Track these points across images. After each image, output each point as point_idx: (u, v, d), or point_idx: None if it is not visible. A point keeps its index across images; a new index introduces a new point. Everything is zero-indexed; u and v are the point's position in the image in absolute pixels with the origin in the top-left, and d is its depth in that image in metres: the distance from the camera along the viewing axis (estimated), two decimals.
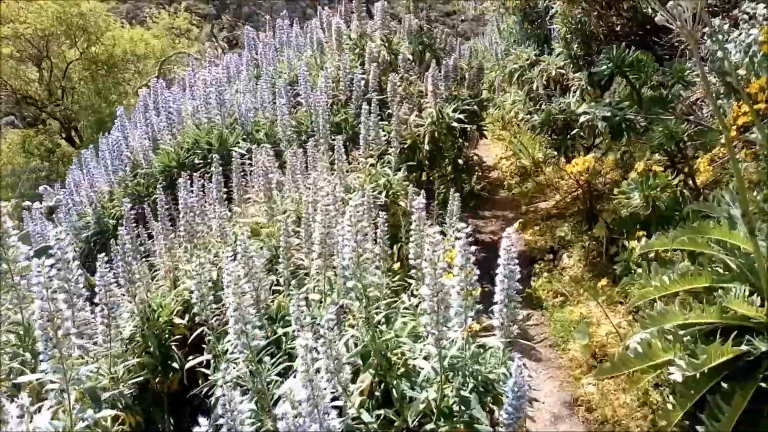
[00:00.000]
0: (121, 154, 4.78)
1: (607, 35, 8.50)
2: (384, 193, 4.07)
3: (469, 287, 2.43)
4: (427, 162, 5.28)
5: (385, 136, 5.23)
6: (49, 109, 16.81)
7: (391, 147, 4.22)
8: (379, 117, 4.87)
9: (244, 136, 4.98)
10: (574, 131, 5.30)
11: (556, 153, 5.37)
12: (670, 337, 2.92)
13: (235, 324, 2.32)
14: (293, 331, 2.60)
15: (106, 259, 2.76)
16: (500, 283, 2.55)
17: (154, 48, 17.48)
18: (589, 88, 8.07)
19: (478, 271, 4.56)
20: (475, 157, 9.32)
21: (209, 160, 4.74)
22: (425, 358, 2.36)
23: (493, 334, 2.85)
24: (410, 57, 6.24)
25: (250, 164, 4.46)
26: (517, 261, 2.70)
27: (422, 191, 4.52)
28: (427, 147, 5.03)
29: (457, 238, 2.47)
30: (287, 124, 4.79)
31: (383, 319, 2.73)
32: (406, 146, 5.13)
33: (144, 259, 3.77)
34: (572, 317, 4.83)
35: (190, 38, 19.72)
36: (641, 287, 3.22)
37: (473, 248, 4.50)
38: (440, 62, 5.85)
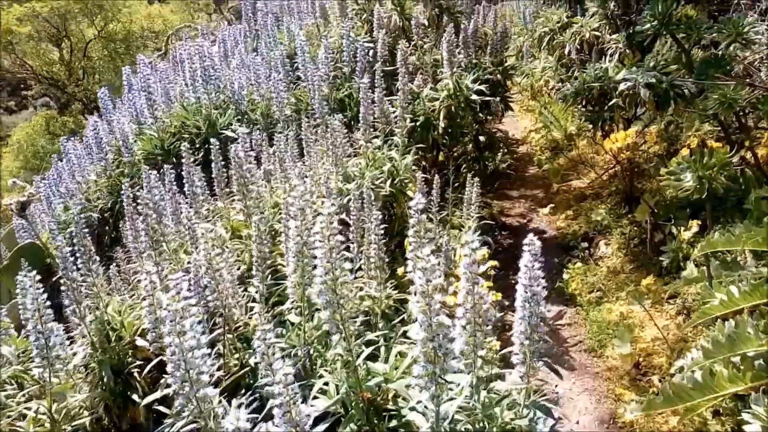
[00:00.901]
0: (101, 142, 4.28)
1: None
2: (389, 182, 3.47)
3: (481, 322, 1.83)
4: (443, 141, 4.64)
5: (394, 112, 4.60)
6: (70, 89, 16.56)
7: (397, 126, 3.60)
8: (387, 91, 4.25)
9: (239, 117, 4.43)
10: (613, 101, 4.57)
11: (591, 126, 4.67)
12: (740, 364, 2.29)
13: (174, 371, 1.79)
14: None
15: (38, 277, 2.24)
16: (520, 309, 1.94)
17: (173, 23, 16.96)
18: (628, 51, 7.22)
19: (497, 268, 3.85)
20: (501, 132, 8.60)
21: (198, 146, 4.20)
22: (423, 412, 1.79)
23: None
24: (425, 22, 5.54)
25: (246, 150, 3.90)
26: (541, 277, 2.10)
27: (435, 176, 3.90)
28: (442, 124, 4.39)
29: (464, 255, 1.88)
30: (284, 102, 4.21)
31: (376, 351, 2.16)
32: (418, 124, 4.49)
33: (117, 266, 3.27)
34: (611, 317, 4.20)
35: (209, 12, 19.14)
36: (702, 300, 2.57)
37: (485, 251, 3.78)
38: (459, 27, 5.15)
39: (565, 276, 4.72)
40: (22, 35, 15.30)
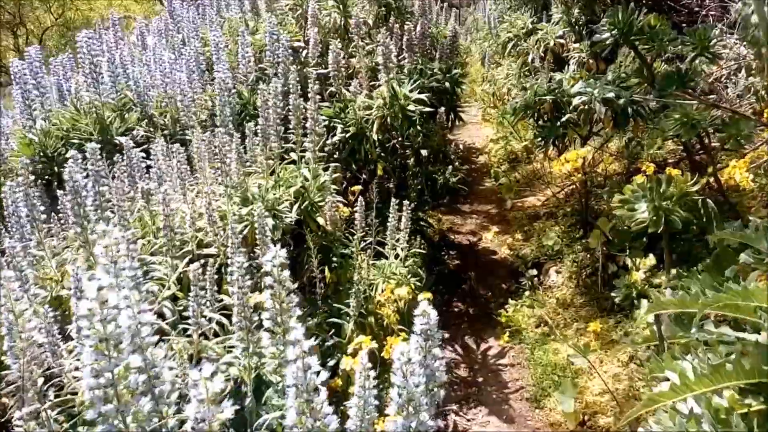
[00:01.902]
0: None
1: (611, 0, 7.16)
2: (297, 204, 2.89)
3: None
4: (377, 155, 4.08)
5: (325, 121, 4.01)
6: None
7: (308, 138, 3.00)
8: (320, 97, 3.66)
9: (145, 120, 3.81)
10: (566, 117, 4.05)
11: (543, 143, 4.16)
12: None
13: None
14: None
15: None
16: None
17: (135, 13, 16.11)
18: (591, 61, 6.73)
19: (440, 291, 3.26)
20: (459, 142, 8.08)
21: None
22: None
23: None
24: (369, 21, 4.96)
25: (147, 158, 3.29)
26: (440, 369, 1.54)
27: (359, 198, 3.33)
28: (375, 136, 3.82)
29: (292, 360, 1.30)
30: (190, 104, 3.60)
31: None
32: (349, 135, 3.91)
33: None
34: (557, 358, 3.68)
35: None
36: (650, 374, 2.04)
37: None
38: (409, 29, 4.58)
39: (510, 308, 4.19)
40: None
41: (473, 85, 11.10)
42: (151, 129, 3.79)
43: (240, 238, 2.69)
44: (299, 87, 3.90)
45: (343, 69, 4.01)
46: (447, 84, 4.81)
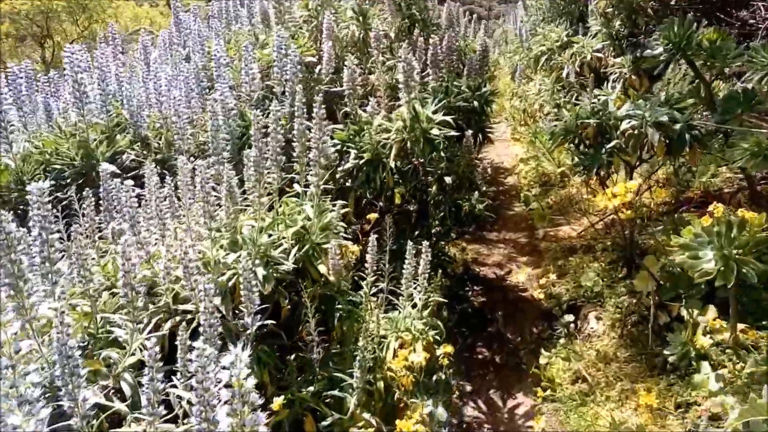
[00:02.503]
0: None
1: (657, 10, 6.59)
2: (295, 249, 2.44)
3: None
4: (393, 182, 3.61)
5: (338, 146, 3.57)
6: None
7: (312, 168, 2.54)
8: (331, 120, 3.24)
9: (139, 143, 3.42)
10: (613, 143, 3.53)
11: (585, 172, 3.64)
12: None
13: None
14: None
15: None
16: None
17: (161, 26, 16.02)
18: (633, 77, 6.18)
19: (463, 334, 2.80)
20: (487, 161, 7.58)
21: (69, 180, 3.18)
22: None
23: None
24: (391, 34, 4.52)
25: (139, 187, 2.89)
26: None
27: (371, 236, 2.87)
28: (392, 163, 3.36)
29: None
30: (185, 126, 3.19)
31: None
32: (362, 162, 3.46)
33: None
34: (598, 427, 3.14)
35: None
36: None
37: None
38: (434, 43, 4.12)
39: (543, 359, 3.66)
40: (0, 33, 14.37)
41: (501, 98, 10.60)
42: (145, 153, 3.40)
43: (218, 295, 2.25)
44: (307, 108, 3.48)
45: (359, 87, 3.57)
46: (475, 103, 4.33)
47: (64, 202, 2.95)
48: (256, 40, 4.07)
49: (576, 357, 3.60)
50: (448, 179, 3.90)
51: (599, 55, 7.13)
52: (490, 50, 4.81)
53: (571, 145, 3.83)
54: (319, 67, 3.90)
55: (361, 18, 4.44)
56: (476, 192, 4.50)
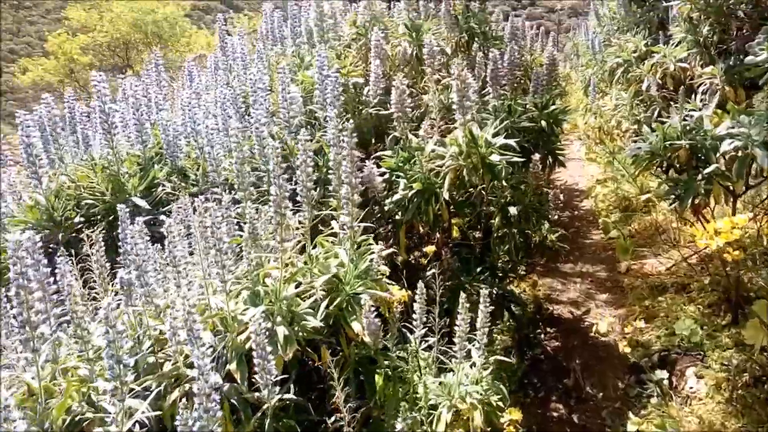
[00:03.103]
0: None
1: (750, 15, 5.87)
2: (325, 302, 2.06)
3: None
4: (448, 216, 3.18)
5: (385, 175, 3.19)
6: None
7: (344, 210, 2.15)
8: (358, 156, 2.88)
9: (175, 175, 3.18)
10: (711, 168, 2.94)
11: (677, 202, 3.05)
12: None
13: None
14: None
15: None
16: None
17: None
18: (727, 89, 5.46)
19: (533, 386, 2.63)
20: (556, 183, 6.97)
21: (100, 216, 2.96)
22: None
23: None
24: (447, 50, 4.12)
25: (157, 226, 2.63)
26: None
27: (428, 270, 2.45)
28: (446, 195, 2.93)
29: None
30: (219, 157, 2.91)
31: None
32: (412, 193, 3.04)
33: None
34: None
35: None
36: None
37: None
38: (496, 57, 3.67)
39: (632, 426, 3.07)
40: (83, 64, 15.16)
41: (573, 114, 9.92)
42: (183, 185, 3.15)
43: (234, 359, 1.90)
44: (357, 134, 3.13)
45: (408, 109, 3.18)
46: (543, 122, 3.84)
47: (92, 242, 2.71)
48: (301, 61, 3.78)
49: (673, 424, 2.98)
50: (512, 209, 3.41)
51: (684, 65, 6.41)
52: (558, 63, 4.30)
53: (660, 171, 3.26)
54: (367, 88, 3.55)
55: (414, 34, 4.07)
56: (546, 222, 3.97)
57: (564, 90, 11.02)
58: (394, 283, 2.52)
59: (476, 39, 4.43)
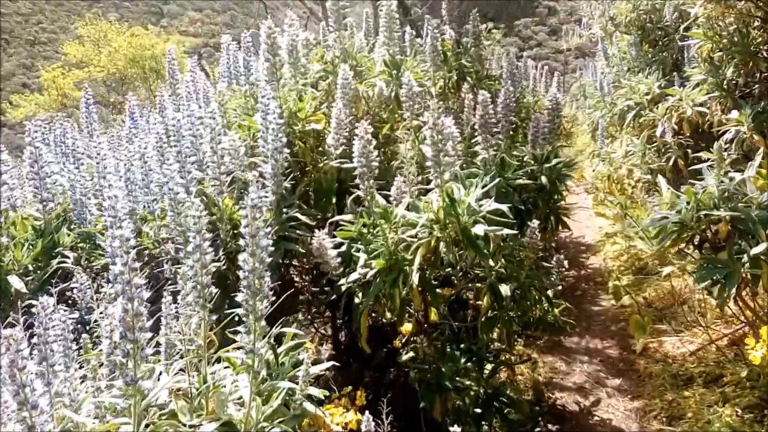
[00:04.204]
0: None
1: None
2: None
3: None
4: (420, 302, 2.49)
5: (341, 247, 2.52)
6: None
7: (245, 312, 1.47)
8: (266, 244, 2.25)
9: (82, 243, 2.53)
10: (761, 248, 2.25)
11: (715, 288, 2.35)
12: None
13: None
14: None
15: None
16: None
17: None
18: (755, 137, 4.80)
19: None
20: (562, 234, 6.28)
21: None
22: None
23: None
24: (432, 90, 3.50)
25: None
26: None
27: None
28: (415, 279, 2.23)
29: None
30: (124, 226, 2.28)
31: None
32: (373, 273, 2.35)
33: None
34: None
35: None
36: None
37: None
38: (477, 96, 3.04)
39: None
40: (76, 99, 14.80)
41: (580, 160, 9.29)
42: (88, 256, 2.50)
43: None
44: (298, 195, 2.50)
45: (374, 163, 2.52)
46: (543, 179, 3.17)
47: None
48: (255, 102, 3.16)
49: None
50: (504, 288, 2.71)
51: (703, 109, 5.78)
52: (563, 107, 3.66)
53: (690, 246, 2.57)
54: (330, 136, 2.91)
55: (394, 71, 3.45)
56: (545, 299, 3.24)
57: (570, 132, 10.42)
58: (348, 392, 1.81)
59: (468, 79, 3.81)
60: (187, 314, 1.63)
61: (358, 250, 2.45)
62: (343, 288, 2.47)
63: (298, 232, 2.47)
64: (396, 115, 3.50)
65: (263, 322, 1.43)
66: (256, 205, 1.40)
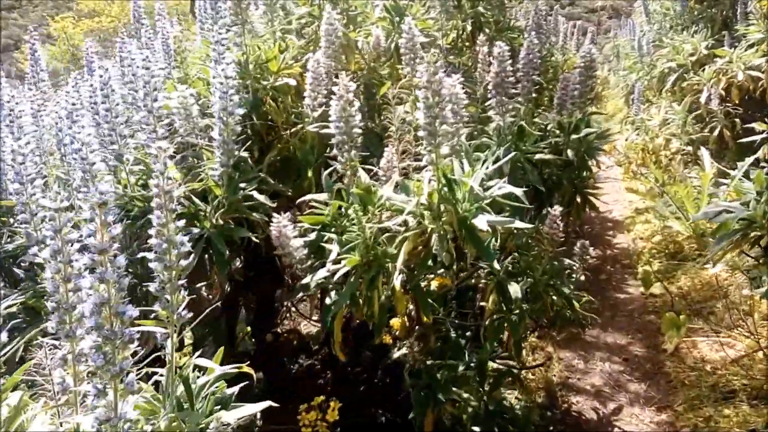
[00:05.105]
0: None
1: None
2: None
3: None
4: (404, 305, 1.98)
5: (311, 235, 2.01)
6: None
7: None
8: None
9: None
10: None
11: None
12: None
13: None
14: None
15: None
16: None
17: None
18: None
19: None
20: (592, 212, 5.66)
21: None
22: None
23: None
24: (441, 42, 2.90)
25: None
26: None
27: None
28: (398, 282, 1.72)
29: None
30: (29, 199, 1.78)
31: None
32: (348, 267, 1.85)
33: None
34: None
35: None
36: None
37: None
38: (491, 49, 2.44)
39: None
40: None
41: (610, 122, 8.54)
42: None
43: None
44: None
45: (357, 129, 1.99)
46: (570, 152, 2.58)
47: None
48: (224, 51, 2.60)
49: None
50: (514, 288, 2.19)
51: (757, 74, 5.05)
52: (597, 67, 3.03)
53: (753, 248, 2.00)
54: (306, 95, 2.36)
55: (396, 15, 2.86)
56: (566, 289, 2.70)
57: (600, 95, 9.62)
58: None
59: (485, 30, 3.19)
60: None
61: (329, 241, 1.94)
62: (312, 285, 1.97)
63: (255, 214, 1.96)
64: (398, 72, 2.92)
65: (130, 377, 0.94)
66: (104, 202, 0.88)
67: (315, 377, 3.42)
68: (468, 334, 2.60)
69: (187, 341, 2.57)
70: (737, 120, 5.29)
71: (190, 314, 1.28)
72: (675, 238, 4.55)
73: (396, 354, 2.63)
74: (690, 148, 5.36)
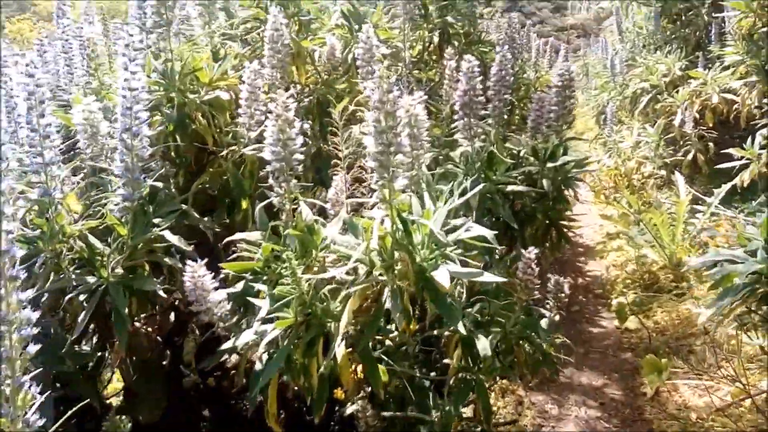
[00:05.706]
0: None
1: None
2: None
3: None
4: (351, 376, 1.64)
5: (235, 292, 1.63)
6: None
7: None
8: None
9: None
10: None
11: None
12: None
13: None
14: None
15: None
16: None
17: None
18: None
19: None
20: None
21: None
22: None
23: None
24: (404, 54, 2.58)
25: None
26: None
27: None
28: (339, 350, 1.37)
29: None
30: None
31: None
32: (277, 329, 1.48)
33: None
34: None
35: None
36: None
37: None
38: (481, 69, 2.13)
39: None
40: None
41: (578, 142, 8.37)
42: None
43: None
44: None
45: (297, 156, 1.64)
46: (546, 182, 2.28)
47: None
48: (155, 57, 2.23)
49: None
50: (483, 344, 1.86)
51: (732, 97, 4.88)
52: (576, 87, 2.75)
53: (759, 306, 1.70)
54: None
55: (355, 23, 2.52)
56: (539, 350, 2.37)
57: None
58: None
59: (453, 42, 2.88)
60: None
61: (259, 294, 1.57)
62: (239, 349, 1.59)
63: (167, 259, 1.58)
64: (356, 87, 2.58)
65: None
66: None
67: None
68: (431, 388, 2.25)
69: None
70: (711, 144, 5.12)
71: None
72: (650, 267, 4.31)
73: (348, 410, 2.27)
74: (663, 171, 5.16)
